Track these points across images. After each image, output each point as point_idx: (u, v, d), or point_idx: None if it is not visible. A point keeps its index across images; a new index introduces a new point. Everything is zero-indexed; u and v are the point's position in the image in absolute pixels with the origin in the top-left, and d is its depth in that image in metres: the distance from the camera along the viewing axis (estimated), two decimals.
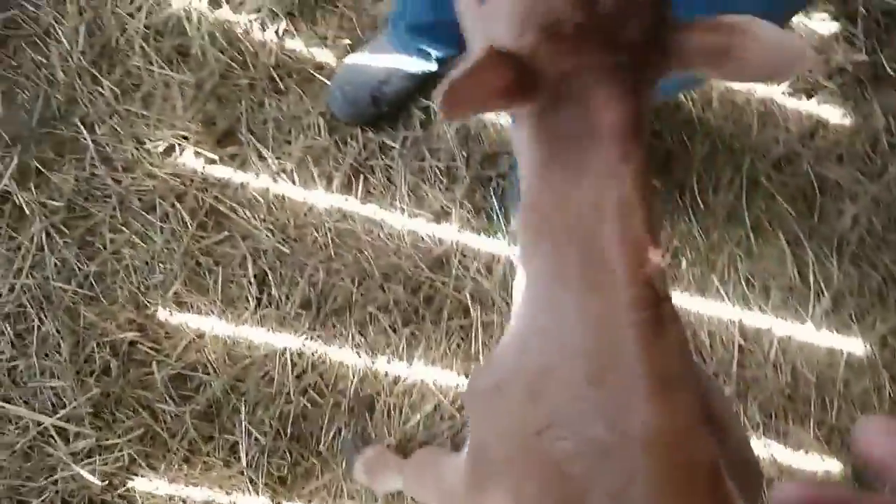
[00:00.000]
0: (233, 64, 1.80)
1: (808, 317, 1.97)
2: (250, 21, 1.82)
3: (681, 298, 1.91)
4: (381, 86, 1.77)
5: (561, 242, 0.75)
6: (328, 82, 1.82)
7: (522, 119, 0.74)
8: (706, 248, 1.96)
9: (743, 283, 1.96)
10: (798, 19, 2.14)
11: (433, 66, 1.76)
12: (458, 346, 1.77)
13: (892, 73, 2.18)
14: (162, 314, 1.68)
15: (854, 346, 1.98)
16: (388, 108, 1.82)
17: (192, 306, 1.69)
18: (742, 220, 2.00)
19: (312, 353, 1.73)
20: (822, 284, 1.99)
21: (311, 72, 1.83)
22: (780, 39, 0.67)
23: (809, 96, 2.13)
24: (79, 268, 1.67)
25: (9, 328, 1.62)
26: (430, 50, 1.68)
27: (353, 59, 1.81)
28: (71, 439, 1.59)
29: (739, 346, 1.91)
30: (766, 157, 2.04)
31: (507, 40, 0.69)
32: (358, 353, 1.73)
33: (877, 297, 2.02)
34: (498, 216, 1.83)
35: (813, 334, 1.97)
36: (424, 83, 1.84)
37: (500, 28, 0.70)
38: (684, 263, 1.94)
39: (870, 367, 1.97)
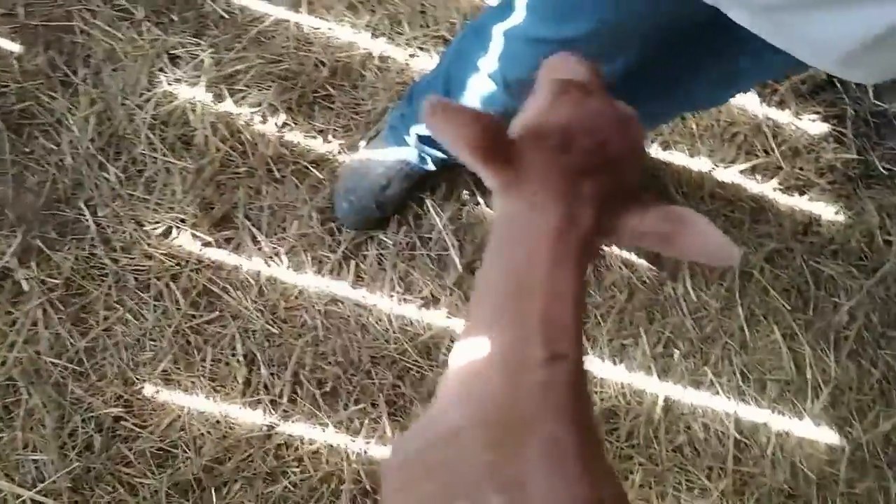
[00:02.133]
0: (233, 153, 1.92)
1: (805, 412, 1.97)
2: (251, 114, 1.94)
3: (674, 390, 1.93)
4: (383, 191, 1.89)
5: (493, 313, 0.85)
6: (321, 175, 1.94)
7: (501, 198, 0.87)
8: (699, 340, 1.99)
9: (738, 375, 1.98)
10: (789, 118, 2.24)
11: (430, 168, 1.86)
12: None
13: (883, 171, 2.26)
14: (149, 390, 1.73)
15: (856, 444, 1.96)
16: (391, 211, 1.92)
17: (179, 384, 1.74)
18: (735, 313, 2.03)
19: (299, 438, 1.75)
20: (820, 379, 2.01)
21: (307, 165, 1.94)
22: (717, 239, 0.81)
23: (802, 193, 2.20)
24: (71, 343, 1.74)
25: None
26: (429, 154, 1.79)
27: (356, 157, 1.92)
28: None
29: (735, 439, 1.92)
30: (758, 250, 2.10)
31: (515, 125, 0.88)
32: (345, 436, 1.75)
33: (878, 393, 2.03)
34: None
35: (812, 430, 1.96)
36: (423, 182, 1.94)
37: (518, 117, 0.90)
38: (676, 355, 1.97)
39: (873, 467, 1.95)
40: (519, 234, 0.84)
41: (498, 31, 1.39)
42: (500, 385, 0.80)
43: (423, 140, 1.78)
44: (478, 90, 1.53)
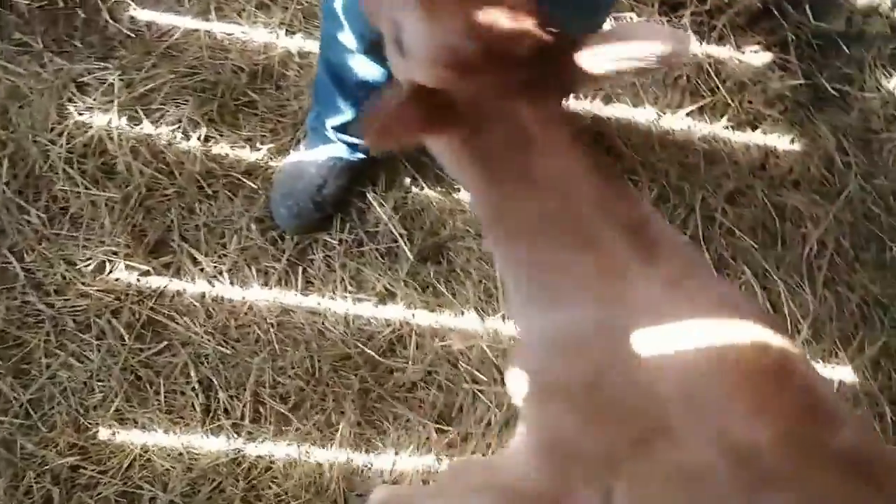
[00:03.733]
0: (158, 175, 1.87)
1: None
2: (172, 132, 1.88)
3: None
4: (320, 190, 1.84)
5: (537, 238, 0.91)
6: (254, 185, 1.88)
7: (457, 150, 0.89)
8: None
9: None
10: (730, 53, 2.19)
11: (361, 156, 1.81)
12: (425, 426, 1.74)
13: (833, 92, 2.21)
14: (104, 433, 1.68)
15: (844, 373, 1.92)
16: (332, 210, 1.86)
17: (135, 421, 1.69)
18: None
19: (268, 457, 1.69)
20: (798, 314, 1.97)
21: (239, 176, 1.88)
22: (663, 30, 0.89)
23: (754, 127, 2.16)
24: (15, 398, 1.68)
25: None
26: (355, 142, 1.76)
27: (288, 161, 1.87)
28: None
29: None
30: (718, 192, 2.05)
31: (423, 80, 0.86)
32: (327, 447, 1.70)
33: (859, 318, 1.99)
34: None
35: None
36: (360, 174, 1.89)
37: (418, 72, 0.88)
38: None
39: (864, 394, 1.91)
40: (513, 163, 0.87)
41: (339, 6, 1.40)
42: (594, 283, 0.89)
43: (340, 130, 1.74)
44: (360, 68, 1.52)
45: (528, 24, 0.86)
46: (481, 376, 1.81)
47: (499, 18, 0.83)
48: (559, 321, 0.92)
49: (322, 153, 1.84)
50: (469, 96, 0.84)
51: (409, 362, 1.80)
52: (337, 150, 1.81)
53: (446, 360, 1.82)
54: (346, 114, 1.70)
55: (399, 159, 1.93)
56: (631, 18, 2.17)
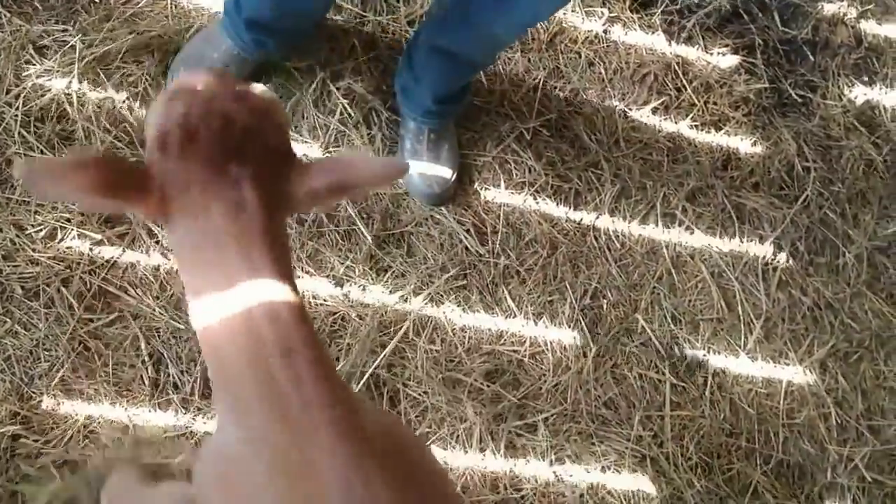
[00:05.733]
0: (118, 143, 1.83)
1: (741, 348, 1.95)
2: (132, 97, 1.84)
3: (605, 340, 1.89)
4: None
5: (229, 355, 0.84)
6: None
7: (168, 226, 0.85)
8: (627, 288, 1.96)
9: (669, 319, 1.95)
10: (698, 54, 2.21)
11: (272, 53, 1.88)
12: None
13: (797, 98, 2.25)
14: (48, 403, 1.65)
15: (793, 374, 1.95)
16: None
17: (81, 393, 1.66)
18: (661, 256, 2.01)
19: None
20: (752, 314, 1.99)
21: None
22: (381, 160, 0.88)
23: (718, 128, 2.18)
24: None
25: None
26: (267, 40, 1.80)
27: (185, 48, 1.90)
28: None
29: (672, 384, 1.88)
30: (679, 190, 2.07)
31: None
32: None
33: (811, 321, 2.03)
34: None
35: (748, 365, 1.94)
36: (262, 67, 1.93)
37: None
38: (605, 304, 1.93)
39: (811, 395, 1.94)
40: (205, 254, 0.82)
41: None
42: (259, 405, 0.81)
43: (254, 25, 1.76)
44: None
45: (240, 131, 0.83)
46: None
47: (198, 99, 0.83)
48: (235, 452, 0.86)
49: (228, 41, 1.83)
50: (168, 181, 0.82)
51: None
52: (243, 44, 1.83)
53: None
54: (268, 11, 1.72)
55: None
56: (602, 14, 2.19)
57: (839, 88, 2.31)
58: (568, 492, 1.76)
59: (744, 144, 2.18)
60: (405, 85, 1.88)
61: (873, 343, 2.04)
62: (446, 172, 1.92)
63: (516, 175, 2.01)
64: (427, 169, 1.90)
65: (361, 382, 1.77)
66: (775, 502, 1.83)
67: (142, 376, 1.70)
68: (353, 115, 1.97)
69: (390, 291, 1.85)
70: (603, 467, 1.80)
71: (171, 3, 1.99)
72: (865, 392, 1.99)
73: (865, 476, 1.90)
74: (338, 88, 1.98)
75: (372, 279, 1.85)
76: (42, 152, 1.80)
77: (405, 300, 1.85)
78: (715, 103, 2.22)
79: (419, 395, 1.79)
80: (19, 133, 1.80)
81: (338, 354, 1.79)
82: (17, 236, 1.74)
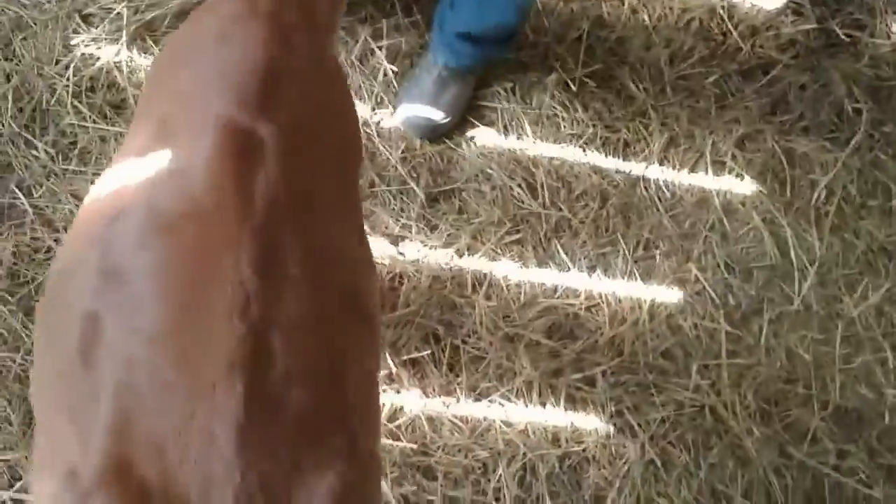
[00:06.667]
0: None
1: (795, 295, 1.94)
2: None
3: (658, 289, 1.89)
4: None
5: None
6: None
7: None
8: (679, 238, 1.95)
9: (722, 268, 1.95)
10: None
11: None
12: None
13: (845, 38, 2.20)
14: None
15: (848, 319, 1.95)
16: None
17: None
18: (712, 205, 2.00)
19: None
20: (805, 259, 1.98)
21: None
22: None
23: (765, 73, 2.14)
24: (27, 335, 1.66)
25: None
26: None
27: None
28: None
29: (727, 333, 1.88)
30: (727, 137, 2.05)
31: None
32: None
33: (865, 265, 2.02)
34: None
35: (803, 312, 1.94)
36: None
37: None
38: (658, 255, 1.93)
39: (868, 339, 1.94)
40: None
41: None
42: None
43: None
44: None
45: None
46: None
47: None
48: None
49: None
50: None
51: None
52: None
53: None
54: None
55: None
56: None
57: (887, 26, 2.26)
58: (628, 443, 1.78)
59: (792, 88, 2.15)
60: (441, 15, 1.85)
61: None
62: (437, 115, 1.91)
63: (564, 128, 2.00)
64: (419, 103, 1.92)
65: (420, 339, 1.79)
66: (834, 447, 1.84)
67: None
68: (396, 71, 1.96)
69: (445, 247, 1.86)
70: (662, 418, 1.81)
71: None
72: None
73: None
74: (380, 48, 1.97)
75: (427, 236, 1.86)
76: (94, 122, 1.81)
77: (461, 256, 1.86)
78: (761, 47, 2.18)
79: (478, 350, 1.81)
80: (72, 104, 1.81)
81: (397, 312, 1.80)
82: (77, 206, 1.76)
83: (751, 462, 1.81)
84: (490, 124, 1.98)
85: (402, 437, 1.71)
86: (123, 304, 0.78)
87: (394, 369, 1.75)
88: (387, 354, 1.73)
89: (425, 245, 1.85)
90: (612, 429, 1.80)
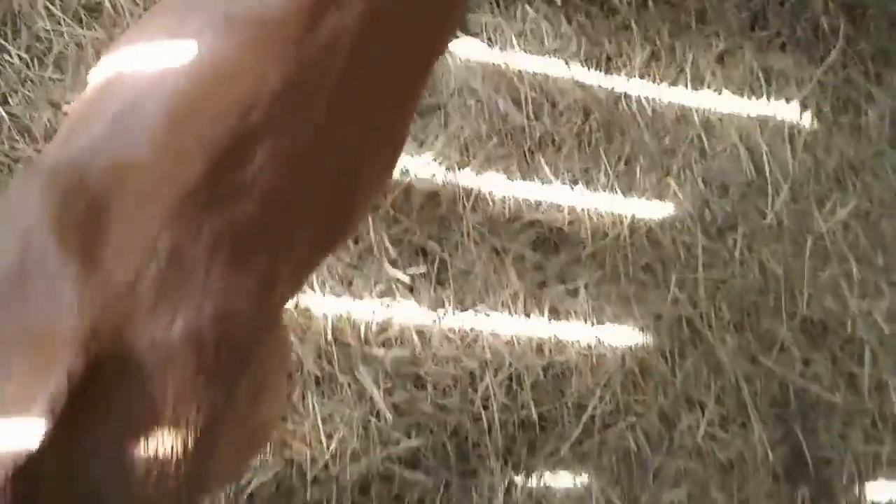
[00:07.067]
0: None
1: (769, 210, 2.00)
2: None
3: (638, 204, 1.93)
4: None
5: None
6: None
7: None
8: (659, 153, 1.98)
9: (700, 182, 1.98)
10: None
11: None
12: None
13: None
14: None
15: (817, 234, 2.02)
16: None
17: None
18: (691, 121, 2.02)
19: None
20: (779, 174, 2.03)
21: None
22: None
23: None
24: None
25: None
26: None
27: None
28: None
29: (703, 247, 1.94)
30: (707, 52, 2.07)
31: None
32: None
33: (835, 181, 2.07)
34: None
35: (775, 228, 2.00)
36: None
37: None
38: (638, 170, 1.96)
39: (835, 254, 2.01)
40: None
41: None
42: None
43: None
44: None
45: None
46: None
47: None
48: None
49: None
50: None
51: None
52: None
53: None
54: None
55: None
56: None
57: None
58: (609, 353, 1.85)
59: (771, 2, 2.16)
60: None
61: (894, 199, 2.11)
62: None
63: (548, 42, 1.99)
64: None
65: (412, 253, 1.80)
66: (800, 355, 1.94)
67: None
68: None
69: (431, 161, 1.86)
70: (642, 328, 1.88)
71: None
72: (885, 248, 2.07)
73: (884, 328, 2.01)
74: None
75: (414, 151, 1.85)
76: (69, 25, 1.74)
77: (448, 170, 1.86)
78: None
79: (465, 264, 1.83)
80: (44, 6, 1.73)
81: (386, 223, 1.81)
82: (56, 114, 1.71)
83: (723, 370, 1.90)
84: (475, 35, 1.96)
85: (392, 347, 1.75)
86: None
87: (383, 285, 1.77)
88: (385, 266, 1.75)
89: (412, 158, 1.85)
90: (594, 339, 1.86)
